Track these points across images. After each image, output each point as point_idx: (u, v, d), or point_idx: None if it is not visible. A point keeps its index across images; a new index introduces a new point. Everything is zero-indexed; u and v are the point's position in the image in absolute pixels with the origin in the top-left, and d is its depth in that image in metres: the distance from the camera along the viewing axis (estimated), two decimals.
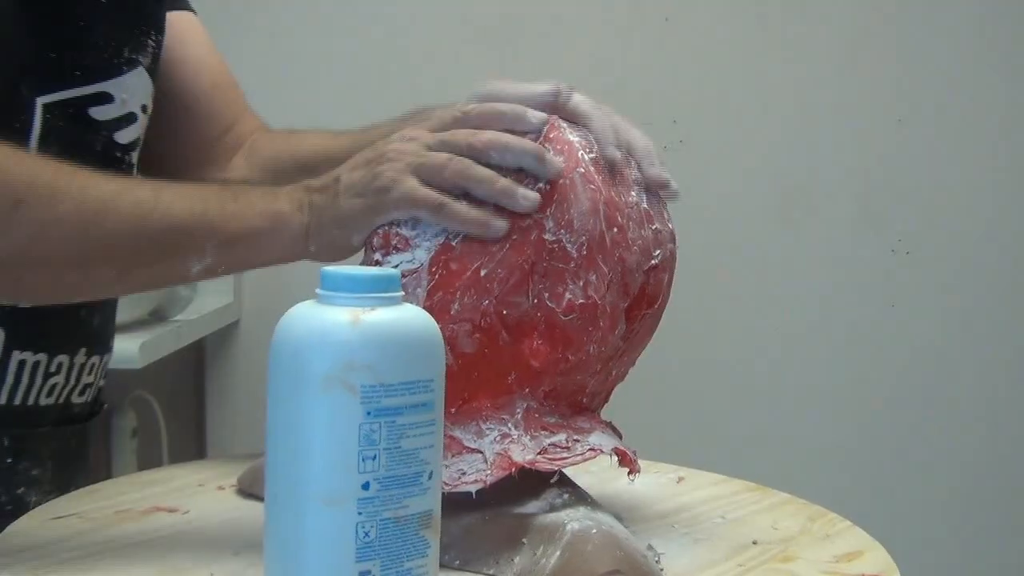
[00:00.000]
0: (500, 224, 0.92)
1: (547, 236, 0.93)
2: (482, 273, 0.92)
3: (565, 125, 0.98)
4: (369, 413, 0.75)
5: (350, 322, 0.76)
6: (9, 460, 1.12)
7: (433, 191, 0.93)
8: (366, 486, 0.76)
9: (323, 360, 0.76)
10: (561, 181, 0.94)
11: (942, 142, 2.32)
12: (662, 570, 0.90)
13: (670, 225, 1.00)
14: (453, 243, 0.93)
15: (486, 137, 0.94)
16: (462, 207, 0.93)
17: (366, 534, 0.76)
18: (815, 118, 2.32)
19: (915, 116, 2.31)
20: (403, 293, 0.80)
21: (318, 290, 0.78)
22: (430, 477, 0.78)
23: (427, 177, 0.93)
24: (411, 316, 0.79)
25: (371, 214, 0.95)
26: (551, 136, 0.96)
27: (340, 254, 0.97)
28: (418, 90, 2.34)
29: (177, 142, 1.28)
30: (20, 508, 1.10)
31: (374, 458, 0.76)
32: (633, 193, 0.97)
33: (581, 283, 0.93)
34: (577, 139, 0.97)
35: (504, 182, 0.93)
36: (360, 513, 0.76)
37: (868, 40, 2.31)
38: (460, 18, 2.31)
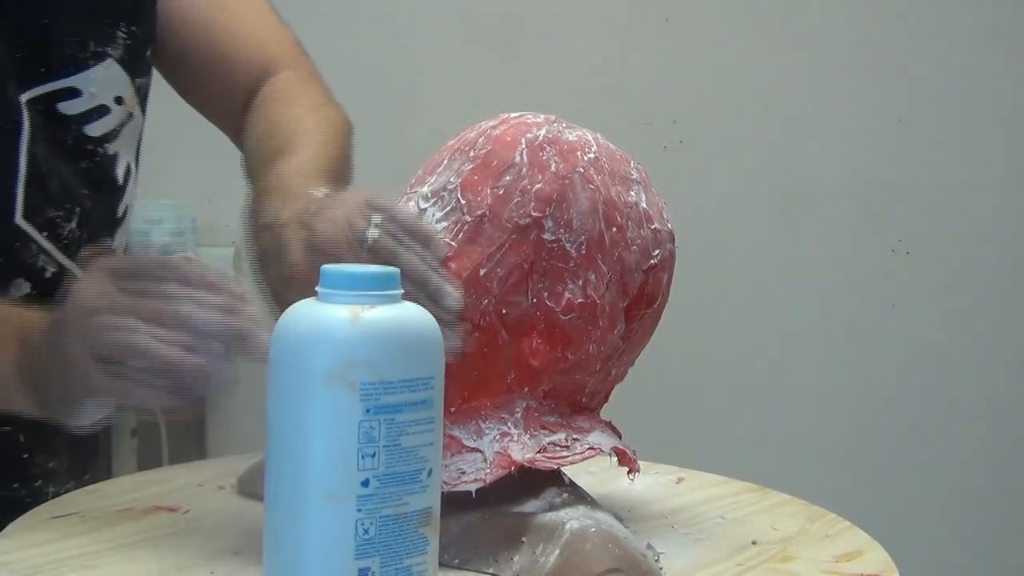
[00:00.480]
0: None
1: (546, 236, 0.93)
2: (481, 272, 0.92)
3: (564, 126, 0.98)
4: (369, 410, 0.75)
5: (350, 319, 0.76)
6: (25, 455, 1.13)
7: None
8: (365, 483, 0.76)
9: (323, 357, 0.75)
10: (561, 181, 0.94)
11: (942, 142, 2.32)
12: (661, 569, 0.90)
13: (669, 225, 1.00)
14: (452, 242, 0.93)
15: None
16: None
17: (365, 531, 0.76)
18: (815, 118, 2.32)
19: (915, 116, 2.31)
20: (403, 291, 0.80)
21: (318, 288, 0.78)
22: (429, 474, 0.78)
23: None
24: (411, 314, 0.79)
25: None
26: (550, 138, 0.96)
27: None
28: (418, 90, 2.34)
29: (199, 103, 1.27)
30: (38, 500, 1.10)
31: (374, 455, 0.76)
32: (632, 193, 0.97)
33: (580, 282, 0.93)
34: (576, 139, 0.97)
35: None
36: (360, 510, 0.76)
37: (868, 40, 2.31)
38: (460, 18, 2.31)
